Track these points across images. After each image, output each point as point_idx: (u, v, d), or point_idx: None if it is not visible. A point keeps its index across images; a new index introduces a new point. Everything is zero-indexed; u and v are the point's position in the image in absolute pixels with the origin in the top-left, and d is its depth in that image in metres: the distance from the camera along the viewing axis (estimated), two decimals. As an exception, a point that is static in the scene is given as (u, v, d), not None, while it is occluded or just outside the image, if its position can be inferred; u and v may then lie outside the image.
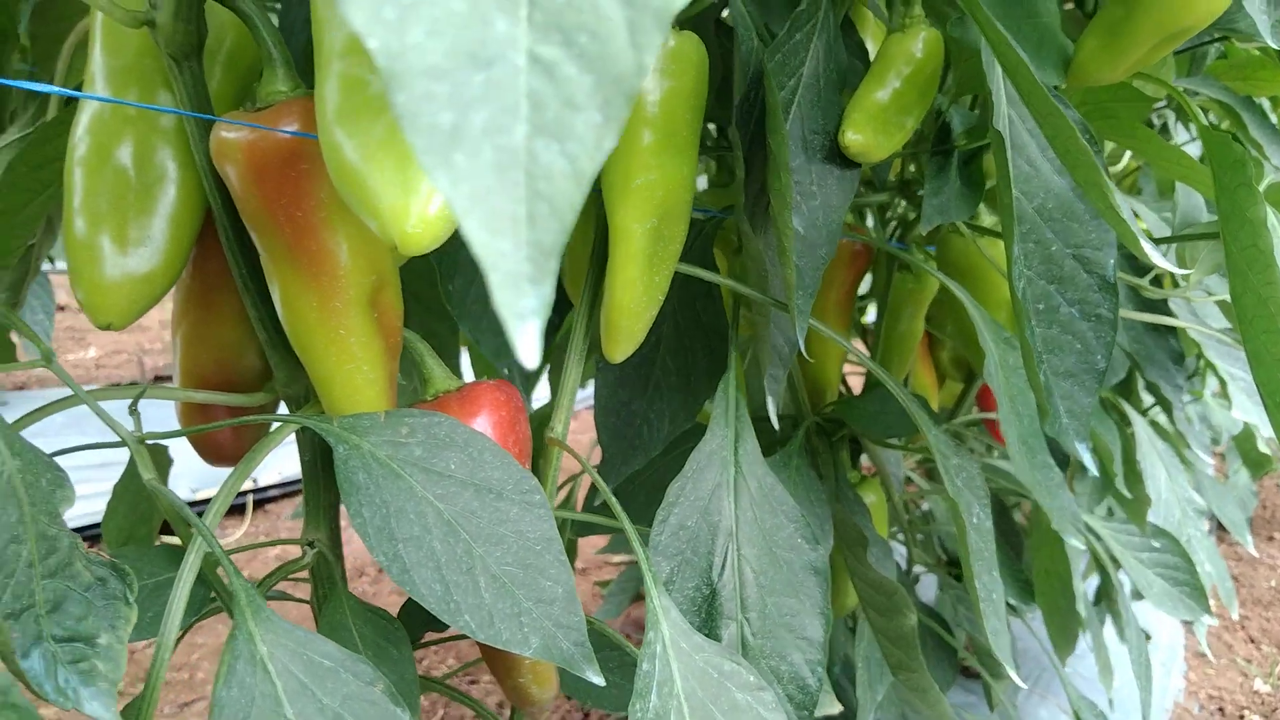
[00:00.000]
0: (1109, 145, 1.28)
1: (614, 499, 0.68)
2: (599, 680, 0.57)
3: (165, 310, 6.21)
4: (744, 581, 0.75)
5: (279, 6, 0.90)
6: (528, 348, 0.19)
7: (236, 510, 3.38)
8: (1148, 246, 0.51)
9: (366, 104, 0.48)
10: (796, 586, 0.75)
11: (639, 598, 2.52)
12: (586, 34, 0.20)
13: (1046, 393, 0.67)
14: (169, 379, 5.04)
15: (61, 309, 5.92)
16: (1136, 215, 1.26)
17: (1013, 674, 0.77)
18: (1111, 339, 0.65)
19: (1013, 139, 0.67)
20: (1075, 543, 0.89)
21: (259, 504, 3.48)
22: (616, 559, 3.11)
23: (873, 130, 0.77)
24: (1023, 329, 0.66)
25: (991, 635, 0.75)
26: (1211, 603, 2.86)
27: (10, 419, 0.57)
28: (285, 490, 3.56)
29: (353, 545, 3.21)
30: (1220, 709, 2.33)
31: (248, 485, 3.41)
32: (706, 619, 0.74)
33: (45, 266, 1.89)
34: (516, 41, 0.20)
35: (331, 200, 0.59)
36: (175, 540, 0.80)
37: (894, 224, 1.28)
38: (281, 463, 3.54)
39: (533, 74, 0.20)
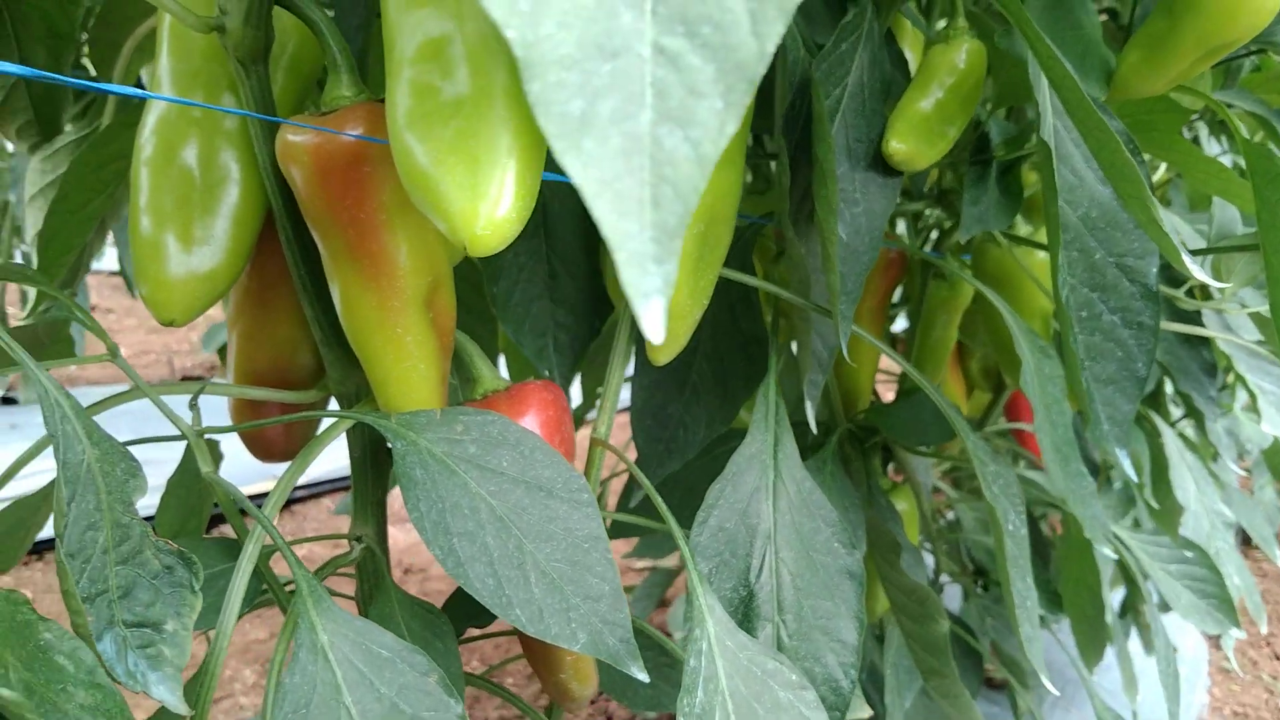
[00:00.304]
0: (1145, 156, 1.28)
1: (658, 497, 0.69)
2: (643, 676, 0.58)
3: (192, 311, 6.28)
4: (781, 584, 0.76)
5: (332, 13, 0.92)
6: (653, 323, 0.20)
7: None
8: (1187, 259, 0.52)
9: (437, 109, 0.50)
10: (832, 590, 0.76)
11: (664, 603, 2.53)
12: (710, 25, 0.21)
13: (1088, 399, 0.68)
14: (198, 379, 5.09)
15: (92, 308, 5.99)
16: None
17: (1045, 680, 0.78)
18: (1153, 347, 0.66)
19: (1058, 149, 0.68)
20: (1107, 551, 0.89)
21: (286, 504, 3.52)
22: (640, 564, 3.12)
23: (916, 139, 0.78)
24: (1066, 336, 0.67)
25: (1025, 642, 0.76)
26: (1240, 617, 2.83)
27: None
28: (312, 491, 3.59)
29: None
30: (1245, 725, 2.32)
31: (273, 485, 3.45)
32: (743, 620, 0.75)
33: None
34: (642, 33, 0.21)
35: (393, 202, 0.61)
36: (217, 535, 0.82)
37: (929, 232, 1.29)
38: (313, 460, 3.57)
39: (657, 64, 0.21)
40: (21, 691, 0.41)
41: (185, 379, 5.14)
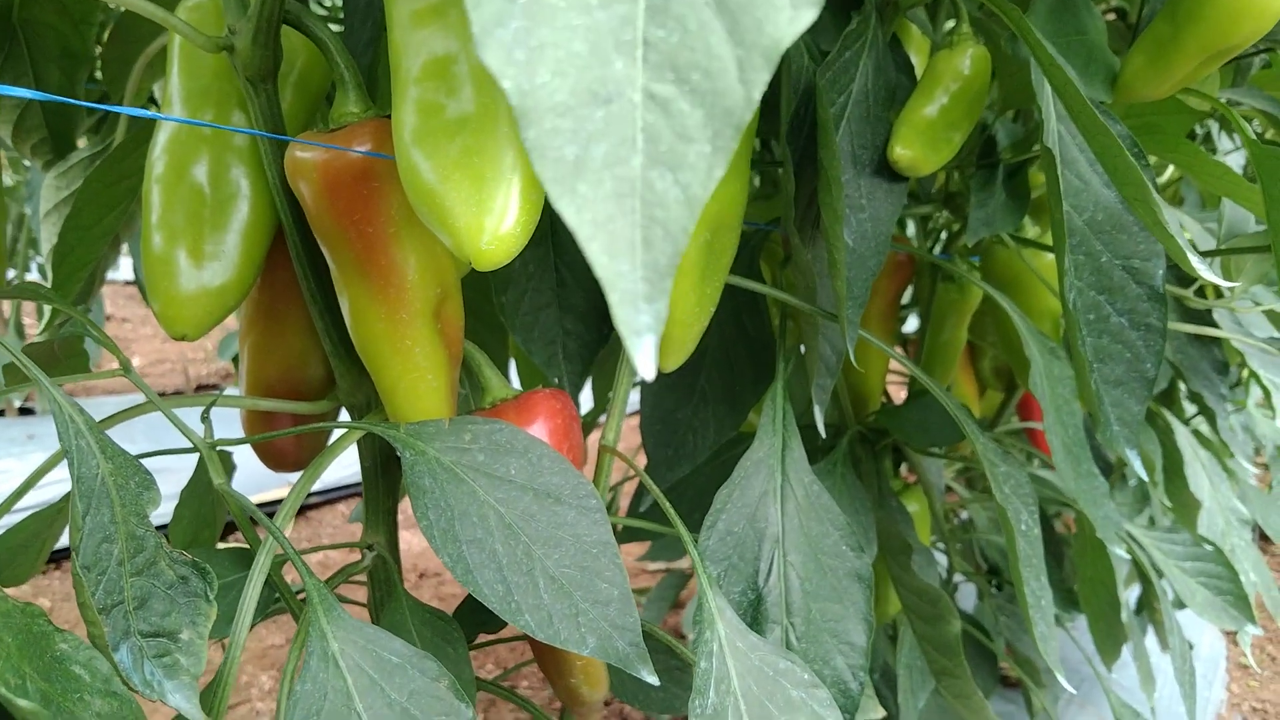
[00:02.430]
0: (1152, 158, 1.28)
1: (666, 502, 0.70)
2: (653, 679, 0.58)
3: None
4: (789, 587, 0.76)
5: (341, 29, 0.93)
6: (645, 360, 0.21)
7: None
8: (1194, 260, 0.52)
9: (443, 127, 0.50)
10: (841, 593, 0.77)
11: (677, 605, 2.54)
12: (699, 71, 0.22)
13: (1097, 400, 0.68)
14: (213, 388, 5.12)
15: (107, 319, 6.04)
16: (1182, 227, 1.26)
17: (1061, 679, 0.78)
18: (1161, 347, 0.66)
19: (1063, 154, 0.68)
20: (1119, 551, 0.89)
21: (300, 510, 3.54)
22: (653, 567, 3.12)
23: (921, 145, 0.78)
24: (1074, 338, 0.67)
25: (1040, 641, 0.76)
26: (1258, 614, 2.82)
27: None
28: (326, 497, 3.61)
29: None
30: (1264, 722, 2.30)
31: (288, 492, 3.47)
32: (752, 623, 0.75)
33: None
34: (634, 80, 0.22)
35: (401, 216, 0.62)
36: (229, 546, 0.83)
37: (938, 235, 1.29)
38: (323, 471, 3.59)
39: (648, 109, 0.22)
40: (39, 701, 0.42)
41: (200, 388, 5.15)
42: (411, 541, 3.33)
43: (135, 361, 5.62)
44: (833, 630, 0.75)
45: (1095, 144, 0.56)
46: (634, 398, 2.35)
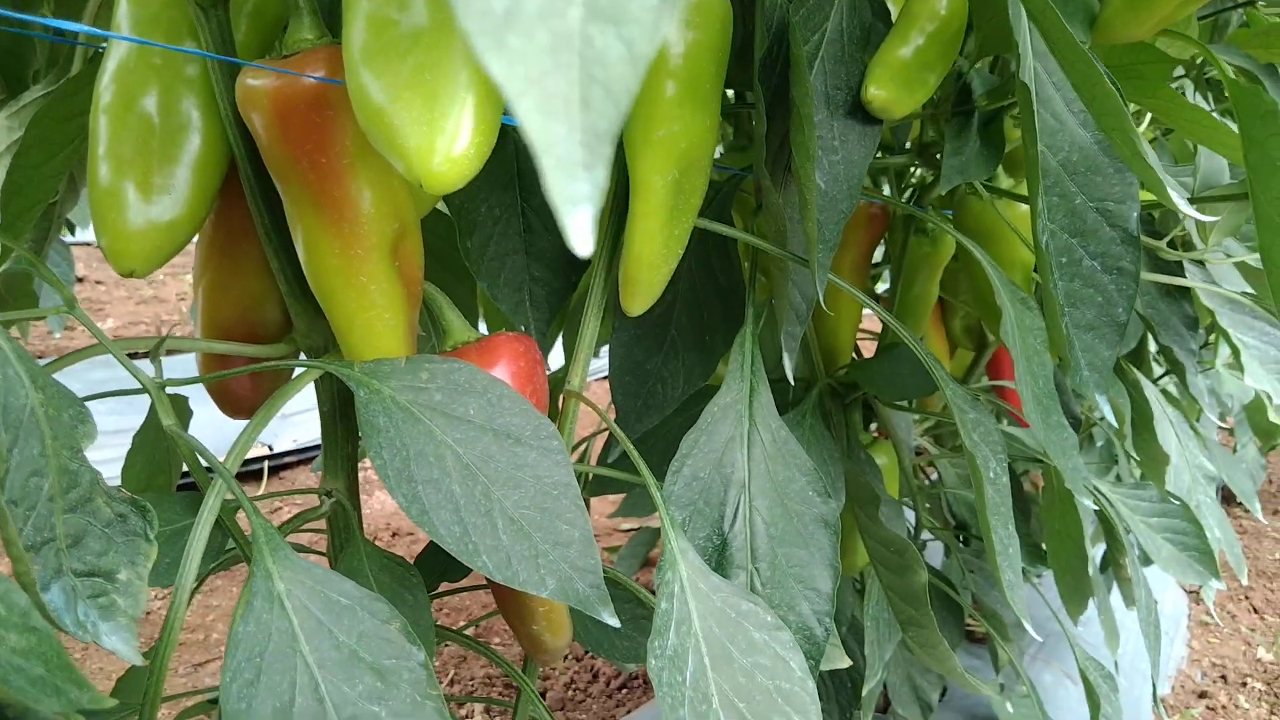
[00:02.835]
0: (1130, 106, 1.27)
1: (633, 449, 0.68)
2: (613, 621, 0.57)
3: (184, 284, 6.22)
4: (754, 532, 0.75)
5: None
6: (580, 232, 0.19)
7: (253, 476, 3.41)
8: (1174, 194, 0.51)
9: (394, 43, 0.48)
10: (807, 538, 0.76)
11: (648, 563, 2.54)
12: (645, -88, 0.20)
13: (1069, 345, 0.67)
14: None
15: (80, 280, 5.94)
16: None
17: (1028, 627, 0.78)
18: (1133, 292, 0.65)
19: (1039, 92, 0.66)
20: (1087, 503, 0.89)
21: (274, 470, 3.51)
22: (626, 525, 3.13)
23: (895, 86, 0.76)
24: (1046, 282, 0.66)
25: (1007, 588, 0.76)
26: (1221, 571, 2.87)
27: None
28: (301, 457, 3.58)
29: (367, 509, 3.24)
30: (1223, 676, 2.34)
31: (262, 451, 3.44)
32: (717, 567, 0.74)
33: (65, 238, 1.90)
34: (571, -79, 0.20)
35: (355, 147, 0.59)
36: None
37: (911, 189, 1.27)
38: (295, 430, 3.56)
39: (587, -45, 0.20)
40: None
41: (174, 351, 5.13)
42: (386, 501, 3.32)
43: (109, 324, 5.54)
44: (798, 575, 0.74)
45: (1074, 73, 0.54)
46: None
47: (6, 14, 0.70)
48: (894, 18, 0.93)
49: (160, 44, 0.63)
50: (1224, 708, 2.24)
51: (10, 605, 0.38)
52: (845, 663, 0.85)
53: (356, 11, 0.50)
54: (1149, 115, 1.15)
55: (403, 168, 0.47)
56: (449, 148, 0.46)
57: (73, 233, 1.87)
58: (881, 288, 1.81)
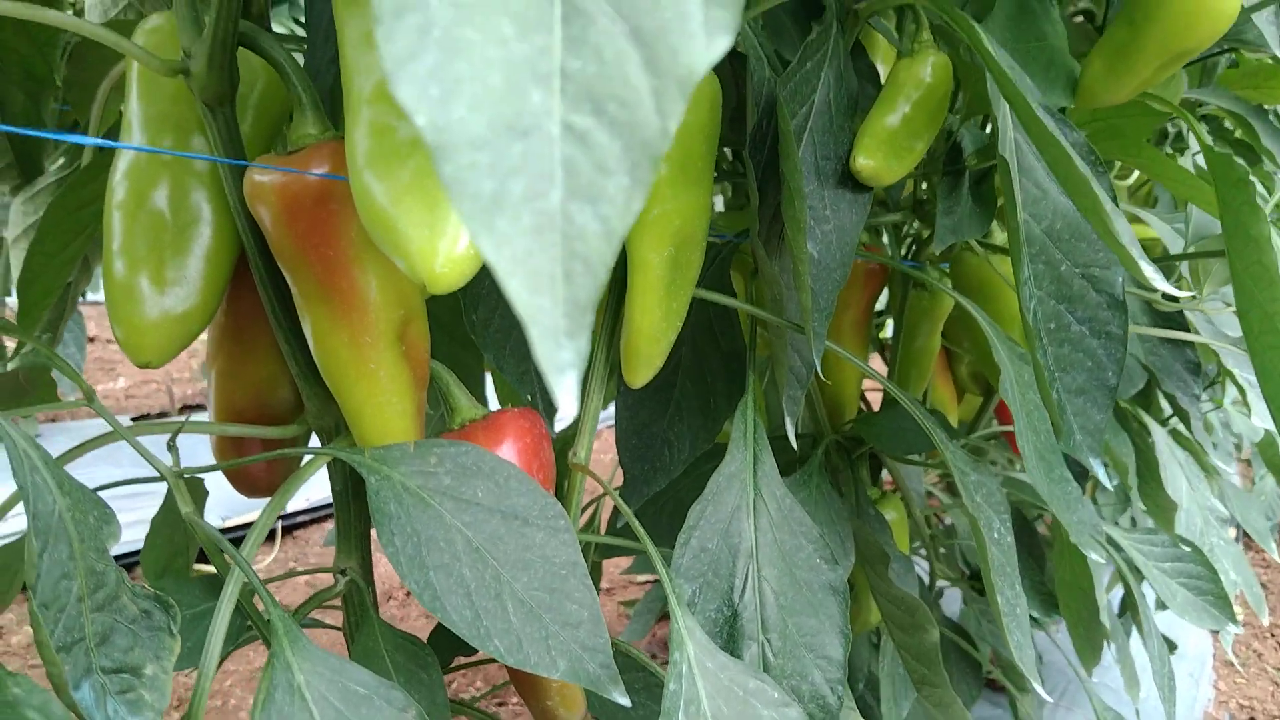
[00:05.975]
0: (1118, 161, 1.29)
1: (637, 522, 0.69)
2: (625, 701, 0.58)
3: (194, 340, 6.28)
4: (764, 602, 0.76)
5: (304, 49, 0.92)
6: (567, 398, 0.20)
7: (267, 537, 3.41)
8: (1148, 270, 0.52)
9: (395, 149, 0.50)
10: (816, 606, 0.77)
11: (665, 616, 2.53)
12: (615, 102, 0.22)
13: (1060, 410, 0.68)
14: (199, 408, 5.09)
15: (91, 340, 6.00)
16: (1147, 225, 1.26)
17: (1038, 687, 0.78)
18: (1122, 355, 0.67)
19: (1020, 162, 0.68)
20: (1095, 556, 0.90)
21: (288, 530, 3.52)
22: (641, 578, 3.11)
23: (883, 155, 0.78)
24: (1034, 348, 0.67)
25: (1015, 649, 0.76)
26: (1241, 611, 2.83)
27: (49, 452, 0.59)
28: (313, 516, 3.59)
29: (380, 568, 3.23)
30: (1251, 718, 2.31)
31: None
32: (729, 640, 0.75)
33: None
34: (551, 112, 0.22)
35: (361, 239, 0.61)
36: (209, 568, 0.82)
37: (909, 242, 1.29)
38: (309, 489, 3.57)
39: (566, 142, 0.22)
40: (-7, 746, 0.41)
41: (185, 408, 5.10)
42: (382, 561, 3.31)
43: (120, 383, 5.59)
44: (809, 644, 0.75)
45: (1047, 155, 0.56)
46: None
47: (15, 130, 0.73)
48: (883, 79, 0.95)
49: (169, 151, 0.66)
50: (1253, 749, 2.20)
51: (49, 716, 0.39)
52: (859, 725, 0.85)
53: (359, 118, 0.52)
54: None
55: (406, 268, 0.49)
56: (450, 249, 0.48)
57: (84, 295, 1.90)
58: (889, 331, 1.82)
